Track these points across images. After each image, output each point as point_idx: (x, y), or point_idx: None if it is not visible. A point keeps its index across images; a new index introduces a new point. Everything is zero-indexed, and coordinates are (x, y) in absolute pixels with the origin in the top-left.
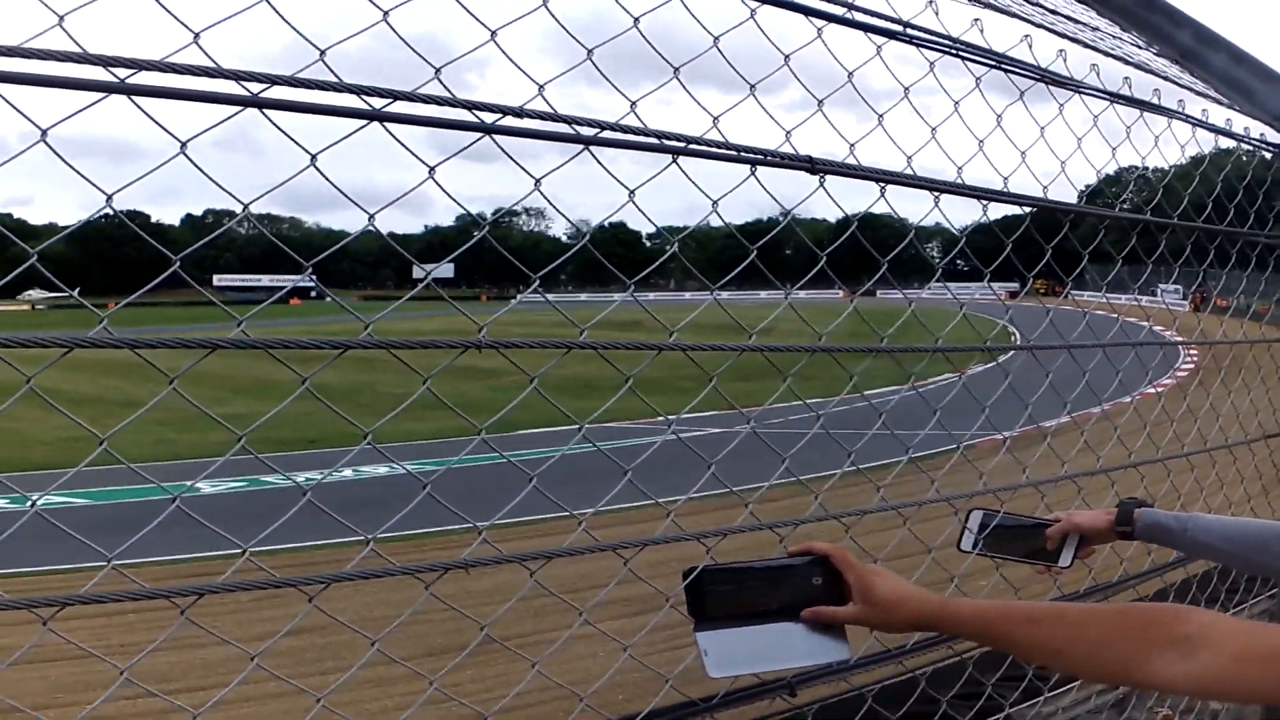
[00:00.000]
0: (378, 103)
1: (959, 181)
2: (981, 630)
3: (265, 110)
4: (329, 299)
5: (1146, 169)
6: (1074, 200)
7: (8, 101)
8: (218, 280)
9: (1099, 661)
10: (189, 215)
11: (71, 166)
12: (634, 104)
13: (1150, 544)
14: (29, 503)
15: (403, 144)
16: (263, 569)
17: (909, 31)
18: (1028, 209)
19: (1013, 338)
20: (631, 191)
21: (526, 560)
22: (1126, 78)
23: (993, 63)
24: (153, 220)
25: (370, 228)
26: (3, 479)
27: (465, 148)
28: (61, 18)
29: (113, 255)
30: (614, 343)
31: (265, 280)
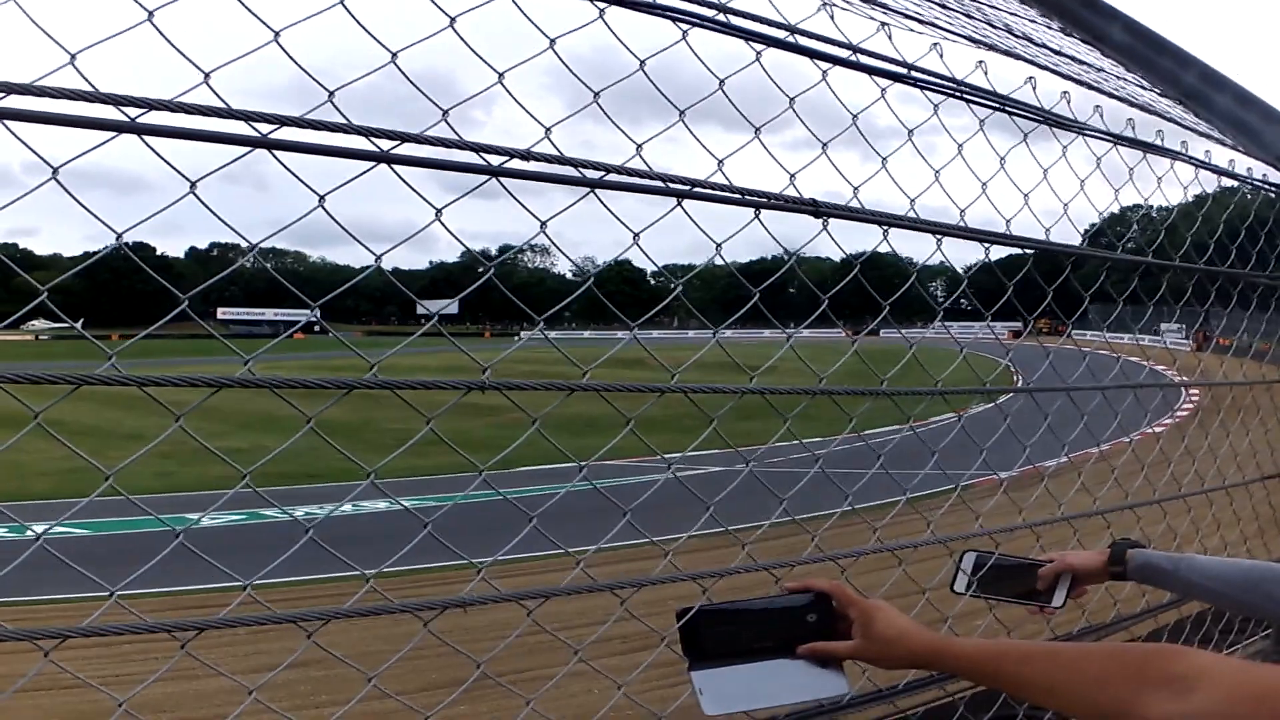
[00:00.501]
0: (385, 144)
1: (962, 224)
2: (978, 668)
3: (274, 151)
4: (333, 335)
5: (1150, 208)
6: (1077, 240)
7: (18, 139)
8: (222, 314)
9: (1093, 701)
10: (193, 248)
11: (81, 204)
12: (639, 147)
13: (1144, 585)
14: (36, 536)
15: (411, 186)
16: (262, 604)
17: (913, 74)
18: (1029, 251)
19: (1015, 378)
20: (636, 235)
21: (523, 599)
22: (1130, 119)
23: (996, 105)
24: (157, 253)
25: (377, 264)
26: (6, 509)
27: (472, 190)
28: (73, 56)
29: (117, 287)
30: (616, 385)
31: (270, 314)
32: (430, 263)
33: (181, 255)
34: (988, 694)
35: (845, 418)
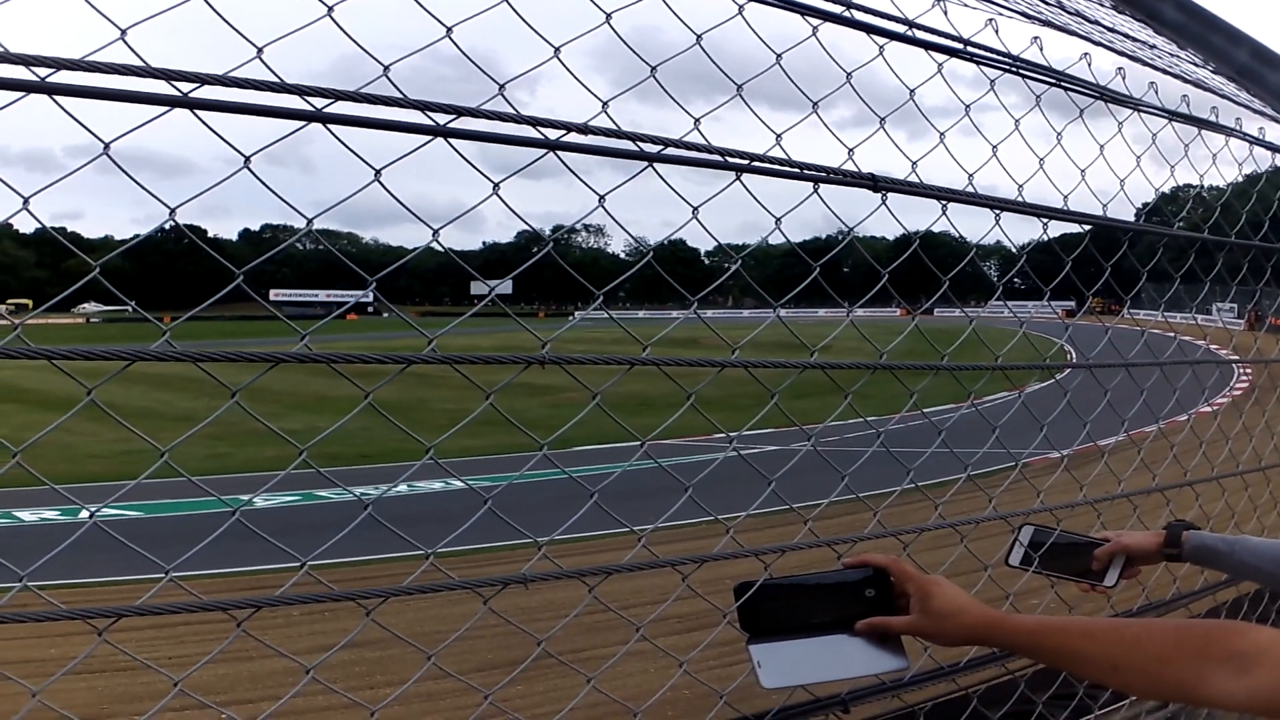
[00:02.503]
0: (441, 119)
1: (1020, 199)
2: (1037, 644)
3: (329, 125)
4: (386, 315)
5: (1204, 187)
6: (1130, 218)
7: (69, 114)
8: (274, 295)
9: (1156, 678)
10: (246, 230)
11: (134, 179)
12: (697, 121)
13: (1199, 566)
14: (89, 515)
15: (467, 160)
16: (321, 582)
17: (969, 49)
18: (1086, 227)
19: (1069, 357)
20: (695, 208)
21: (585, 576)
22: (1185, 95)
23: (1052, 80)
24: (209, 235)
25: (433, 243)
26: (61, 490)
27: (529, 164)
28: (124, 31)
29: (169, 270)
30: (676, 359)
31: (323, 296)
32: (483, 243)
33: (234, 238)
34: (1048, 673)
35: (900, 398)
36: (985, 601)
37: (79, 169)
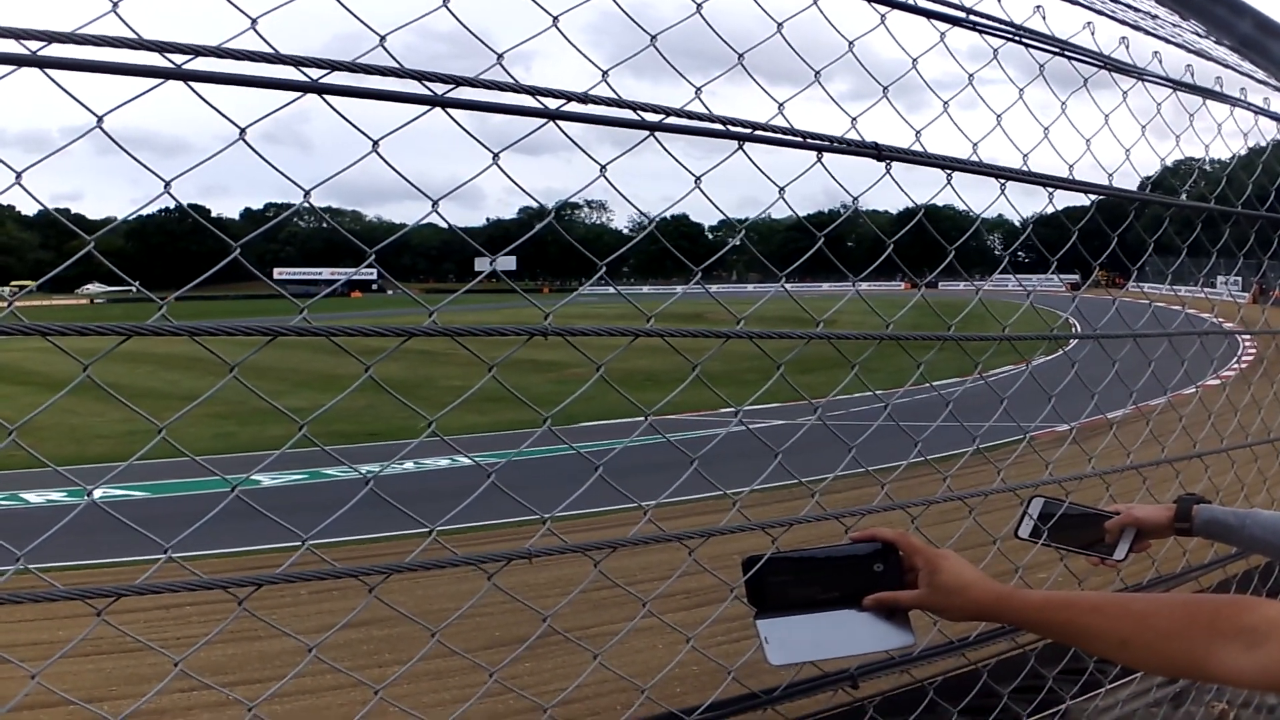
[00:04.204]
0: (439, 90)
1: (1025, 169)
2: (1046, 619)
3: (325, 96)
4: (390, 292)
5: (1208, 160)
6: (1134, 190)
7: (61, 88)
8: (278, 274)
9: (1165, 654)
10: (248, 209)
11: (129, 154)
12: (698, 90)
13: (1209, 540)
14: (90, 497)
15: (466, 130)
16: (323, 559)
17: (972, 18)
18: (1091, 199)
19: (1073, 327)
20: (698, 178)
21: (590, 550)
22: (1189, 65)
23: (1056, 50)
24: (212, 214)
25: (434, 216)
26: (62, 470)
27: (529, 134)
28: (115, 3)
29: (171, 250)
30: (681, 330)
31: (326, 273)
32: (486, 219)
33: (236, 217)
34: (1058, 647)
35: (907, 370)
36: (994, 575)
37: (73, 142)
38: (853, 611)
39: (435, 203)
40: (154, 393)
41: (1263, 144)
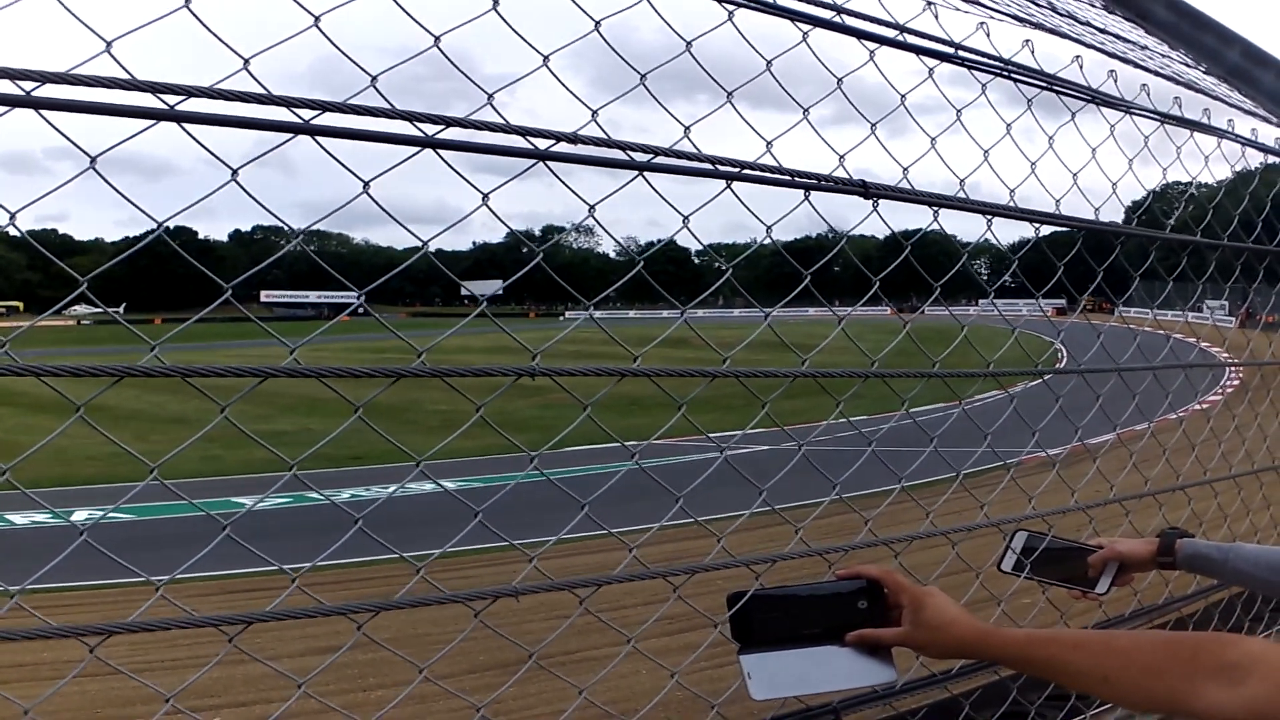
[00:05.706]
0: (429, 129)
1: (1011, 204)
2: (1029, 656)
3: (317, 137)
4: (381, 321)
5: (1195, 184)
6: (1122, 217)
7: (55, 128)
8: (265, 296)
9: (1148, 690)
10: (237, 231)
11: (118, 191)
12: (687, 129)
13: (1193, 574)
14: (80, 530)
15: (458, 172)
16: (311, 596)
17: (960, 53)
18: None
19: (1059, 354)
20: (686, 217)
21: (575, 588)
22: (1177, 97)
23: (1044, 84)
24: (200, 236)
25: (423, 251)
26: (44, 497)
27: (519, 174)
28: (109, 44)
29: (159, 271)
30: (668, 370)
31: (313, 296)
32: (473, 244)
33: (224, 239)
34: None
35: (892, 397)
36: (975, 604)
37: (66, 184)
38: (836, 647)
39: (425, 244)
40: (140, 415)
41: (1250, 170)
